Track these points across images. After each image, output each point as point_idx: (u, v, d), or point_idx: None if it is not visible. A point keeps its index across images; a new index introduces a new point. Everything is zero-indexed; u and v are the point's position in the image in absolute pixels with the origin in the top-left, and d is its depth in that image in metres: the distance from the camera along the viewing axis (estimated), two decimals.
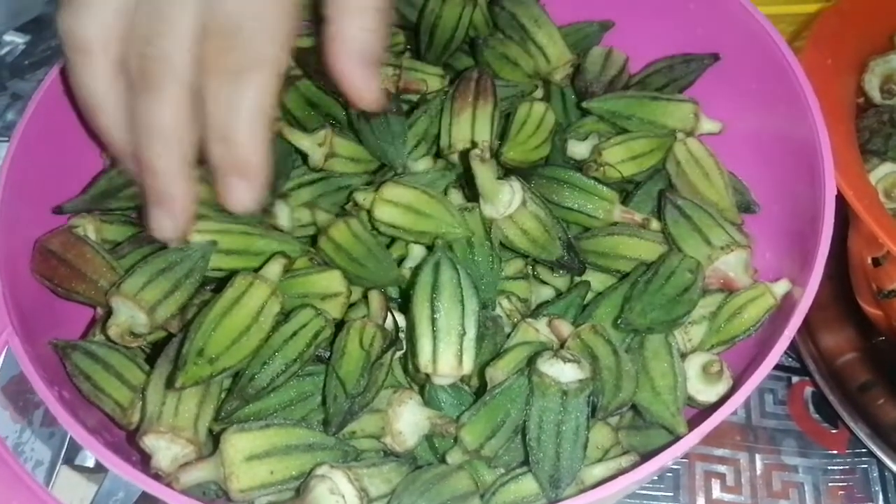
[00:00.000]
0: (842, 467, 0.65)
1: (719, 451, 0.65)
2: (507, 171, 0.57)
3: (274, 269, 0.47)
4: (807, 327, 0.65)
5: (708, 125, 0.58)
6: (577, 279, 0.54)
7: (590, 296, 0.53)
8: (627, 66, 0.63)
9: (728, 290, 0.50)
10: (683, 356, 0.48)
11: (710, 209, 0.51)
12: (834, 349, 0.63)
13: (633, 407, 0.45)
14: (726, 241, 0.49)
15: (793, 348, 0.65)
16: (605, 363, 0.44)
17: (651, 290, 0.47)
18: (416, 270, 0.46)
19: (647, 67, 0.63)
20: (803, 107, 0.50)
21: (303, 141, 0.56)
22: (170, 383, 0.41)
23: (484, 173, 0.49)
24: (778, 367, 0.68)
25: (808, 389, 0.67)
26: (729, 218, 0.52)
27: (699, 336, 0.49)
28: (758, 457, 0.65)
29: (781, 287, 0.47)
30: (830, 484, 0.63)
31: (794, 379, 0.69)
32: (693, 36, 0.61)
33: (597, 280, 0.54)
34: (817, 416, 0.67)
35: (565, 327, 0.47)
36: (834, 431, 0.65)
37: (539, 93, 0.63)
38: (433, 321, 0.44)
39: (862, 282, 0.57)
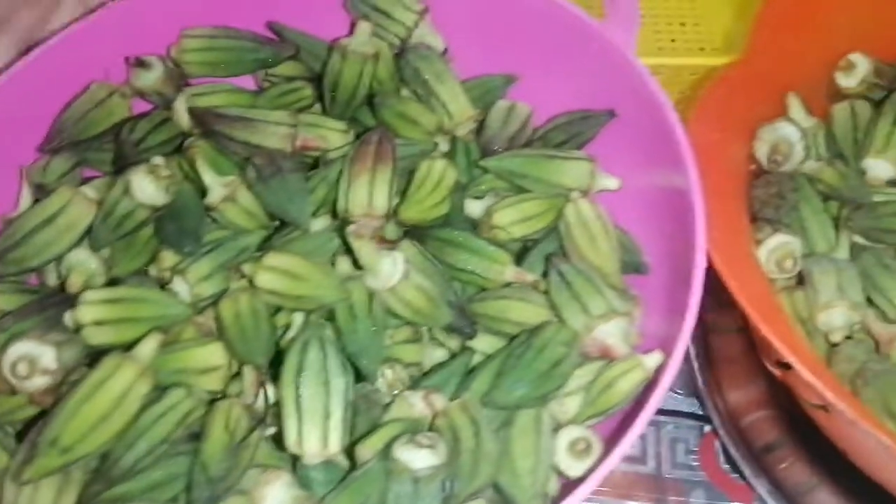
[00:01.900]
0: None
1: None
2: (405, 231, 0.58)
3: (146, 347, 0.46)
4: (715, 381, 0.65)
5: (605, 182, 0.58)
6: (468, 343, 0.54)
7: (480, 359, 0.53)
8: (531, 121, 0.63)
9: (607, 358, 0.50)
10: (558, 428, 0.48)
11: (592, 275, 0.51)
12: (741, 406, 0.63)
13: (497, 487, 0.45)
14: (605, 310, 0.49)
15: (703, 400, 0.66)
16: (466, 445, 0.44)
17: (522, 364, 0.47)
18: (286, 348, 0.46)
19: (548, 123, 0.63)
20: (684, 177, 0.50)
21: (208, 176, 0.55)
22: (16, 476, 0.41)
23: (361, 248, 0.49)
24: (691, 415, 0.69)
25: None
26: (612, 283, 0.52)
27: (575, 408, 0.49)
28: None
29: (653, 360, 0.47)
30: None
31: (707, 428, 0.68)
32: (593, 91, 0.61)
33: (489, 343, 0.54)
34: (727, 466, 0.67)
35: (439, 402, 0.47)
36: (742, 483, 0.65)
37: (445, 148, 0.63)
38: (298, 402, 0.44)
39: (761, 342, 0.57)
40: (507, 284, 0.56)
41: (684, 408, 0.71)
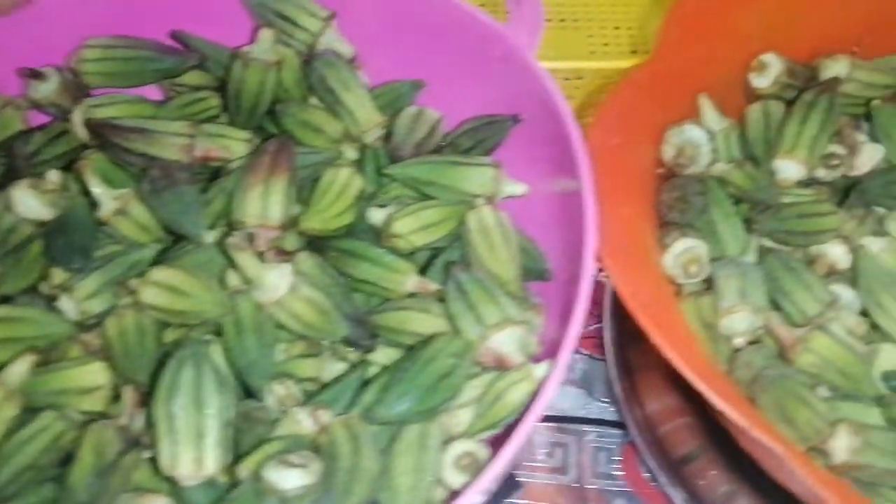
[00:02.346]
0: None
1: None
2: (309, 241, 0.56)
3: (15, 369, 0.45)
4: (632, 390, 0.63)
5: (510, 188, 0.57)
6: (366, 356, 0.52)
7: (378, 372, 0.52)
8: (439, 126, 0.62)
9: (503, 369, 0.48)
10: (449, 442, 0.46)
11: (489, 283, 0.50)
12: (658, 415, 0.61)
13: None
14: (499, 319, 0.48)
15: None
16: (343, 463, 0.42)
17: (407, 377, 0.46)
18: (161, 368, 0.45)
19: (456, 128, 0.61)
20: (578, 182, 0.48)
21: (97, 188, 0.54)
22: None
23: (242, 260, 0.48)
24: (614, 424, 0.67)
25: None
26: (510, 291, 0.51)
27: (467, 421, 0.47)
28: None
29: (542, 370, 0.45)
30: None
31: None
32: (500, 96, 0.60)
33: (389, 356, 0.53)
34: (649, 475, 0.65)
35: (326, 418, 0.46)
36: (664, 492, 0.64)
37: (354, 156, 0.62)
38: (170, 423, 0.42)
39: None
40: (412, 295, 0.54)
41: (607, 416, 0.69)
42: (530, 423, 0.40)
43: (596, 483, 0.66)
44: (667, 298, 0.50)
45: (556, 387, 0.42)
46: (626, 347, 0.65)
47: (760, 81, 0.64)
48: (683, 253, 0.54)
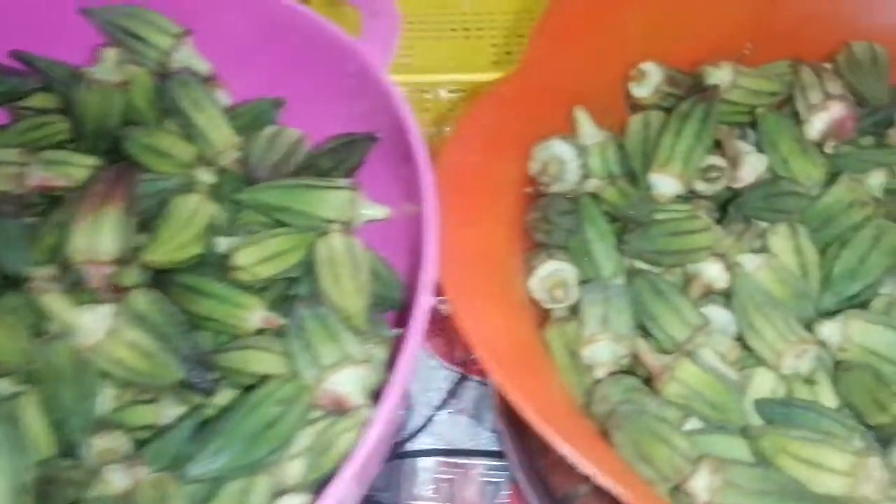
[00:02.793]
0: None
1: None
2: (153, 274, 0.52)
3: None
4: (513, 423, 0.60)
5: (370, 211, 0.54)
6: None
7: None
8: (300, 147, 0.58)
9: (343, 411, 0.45)
10: (280, 495, 0.43)
11: (331, 319, 0.46)
12: (540, 450, 0.58)
13: None
14: (337, 358, 0.44)
15: None
16: None
17: (227, 428, 0.42)
18: None
19: (316, 148, 0.58)
20: (424, 212, 0.45)
21: None
22: None
23: (50, 304, 0.44)
24: (503, 455, 0.64)
25: None
26: (354, 326, 0.47)
27: (300, 472, 0.44)
28: None
29: (366, 415, 0.42)
30: None
31: None
32: (360, 114, 0.56)
33: (232, 399, 0.49)
34: None
35: (141, 475, 0.41)
36: None
37: (211, 180, 0.58)
38: None
39: None
40: (262, 331, 0.50)
41: (496, 447, 0.66)
42: (349, 474, 0.37)
43: None
44: (518, 328, 0.47)
45: (382, 427, 0.38)
46: None
47: (640, 91, 0.61)
48: (548, 277, 0.51)
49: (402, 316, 0.53)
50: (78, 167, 0.56)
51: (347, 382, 0.44)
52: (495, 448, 0.65)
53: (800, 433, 0.45)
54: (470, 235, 0.46)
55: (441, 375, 0.69)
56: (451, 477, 0.64)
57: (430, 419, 0.66)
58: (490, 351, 0.41)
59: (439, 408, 0.67)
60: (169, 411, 0.49)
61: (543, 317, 0.53)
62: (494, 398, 0.61)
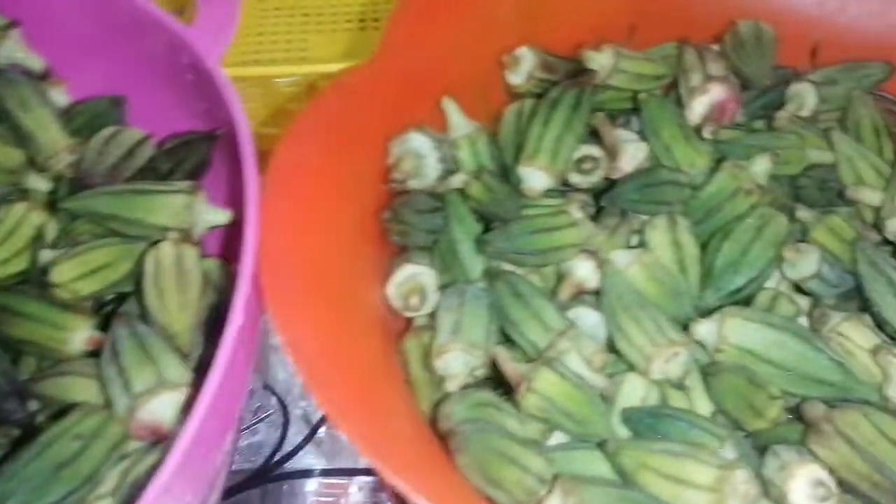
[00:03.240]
0: None
1: None
2: None
3: None
4: None
5: (212, 217, 0.49)
6: None
7: None
8: (143, 148, 0.54)
9: (162, 441, 0.40)
10: None
11: (150, 340, 0.42)
12: None
13: None
14: (152, 384, 0.40)
15: None
16: None
17: (12, 470, 0.37)
18: None
19: (158, 148, 0.53)
20: (245, 215, 0.40)
21: None
22: None
23: None
24: None
25: None
26: (179, 345, 0.43)
27: None
28: None
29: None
30: None
31: None
32: (199, 109, 0.51)
33: None
34: None
35: None
36: None
37: (43, 185, 0.53)
38: None
39: None
40: (91, 354, 0.45)
41: None
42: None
43: None
44: (362, 344, 0.42)
45: (180, 455, 0.34)
46: None
47: (514, 78, 0.57)
48: (404, 282, 0.47)
49: None
50: None
51: (164, 409, 0.40)
52: None
53: (662, 446, 0.41)
54: (303, 244, 0.42)
55: None
56: (331, 499, 0.60)
57: (309, 437, 0.62)
58: (315, 374, 0.37)
59: (319, 425, 0.62)
60: None
61: (404, 326, 0.49)
62: None
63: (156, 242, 0.47)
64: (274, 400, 0.63)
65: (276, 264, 0.40)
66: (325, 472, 0.60)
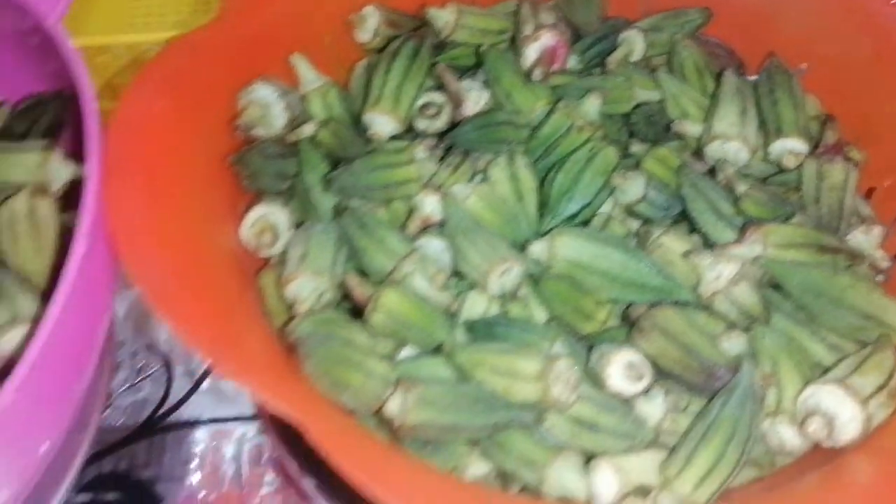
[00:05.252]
0: None
1: None
2: None
3: None
4: None
5: (66, 171, 0.51)
6: None
7: None
8: None
9: None
10: None
11: (6, 280, 0.43)
12: None
13: None
14: (4, 319, 0.42)
15: None
16: None
17: None
18: None
19: (9, 113, 0.54)
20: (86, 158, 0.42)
21: None
22: None
23: None
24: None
25: None
26: (36, 284, 0.45)
27: None
28: None
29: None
30: None
31: None
32: (50, 73, 0.53)
33: None
34: None
35: None
36: None
37: None
38: None
39: None
40: None
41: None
42: None
43: (250, 486, 0.61)
44: (214, 279, 0.45)
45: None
46: None
47: (363, 35, 0.61)
48: (256, 222, 0.50)
49: None
50: None
51: (17, 341, 0.41)
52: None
53: (496, 346, 0.45)
54: (150, 188, 0.44)
55: None
56: (215, 445, 0.62)
57: (192, 391, 0.64)
58: (159, 295, 0.39)
59: (201, 379, 0.64)
60: None
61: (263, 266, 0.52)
62: None
63: (6, 198, 0.48)
64: (157, 359, 0.64)
65: (123, 207, 0.42)
66: (211, 421, 0.62)
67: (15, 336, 0.42)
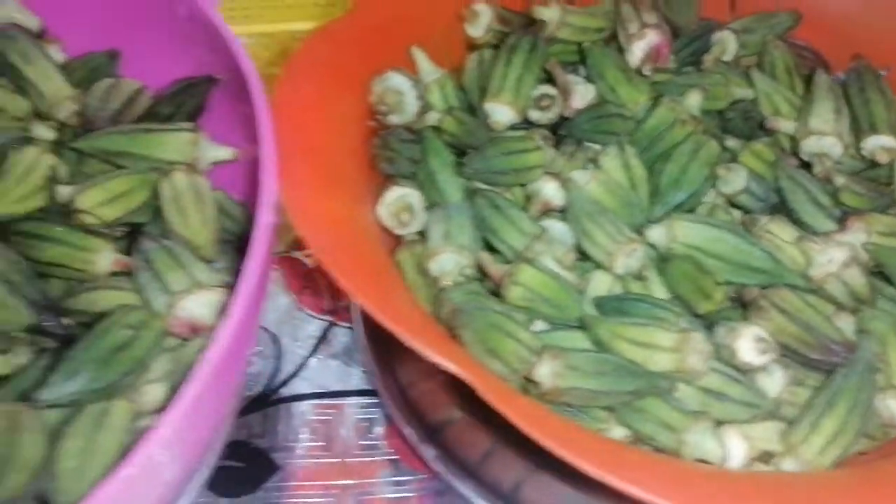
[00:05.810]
0: (435, 489, 0.62)
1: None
2: None
3: None
4: (383, 355, 0.62)
5: (215, 153, 0.54)
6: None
7: None
8: (140, 97, 0.58)
9: (199, 335, 0.45)
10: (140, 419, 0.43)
11: (178, 249, 0.47)
12: (410, 380, 0.60)
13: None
14: (187, 285, 0.45)
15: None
16: None
17: (77, 354, 0.41)
18: None
19: (155, 96, 0.58)
20: (260, 139, 0.46)
21: None
22: None
23: None
24: (375, 392, 0.65)
25: None
26: (203, 255, 0.48)
27: (160, 396, 0.44)
28: (351, 494, 0.62)
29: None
30: None
31: None
32: (197, 58, 0.56)
33: None
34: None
35: None
36: None
37: (48, 134, 0.57)
38: None
39: None
40: (115, 274, 0.50)
41: (369, 386, 0.67)
42: (200, 380, 0.37)
43: (360, 455, 0.64)
44: (369, 250, 0.48)
45: (229, 346, 0.39)
46: None
47: (474, 31, 0.64)
48: (395, 202, 0.53)
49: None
50: None
51: (199, 307, 0.45)
52: (367, 387, 0.67)
53: (631, 320, 0.48)
54: (315, 163, 0.48)
55: (310, 325, 0.70)
56: (326, 418, 0.65)
57: (301, 365, 0.67)
58: (342, 269, 0.43)
59: (310, 354, 0.68)
60: (21, 360, 0.48)
61: (395, 244, 0.55)
62: (360, 338, 0.62)
63: (166, 173, 0.51)
64: (266, 336, 0.68)
65: (295, 179, 0.45)
66: (319, 395, 0.66)
67: (196, 300, 0.45)
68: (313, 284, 0.72)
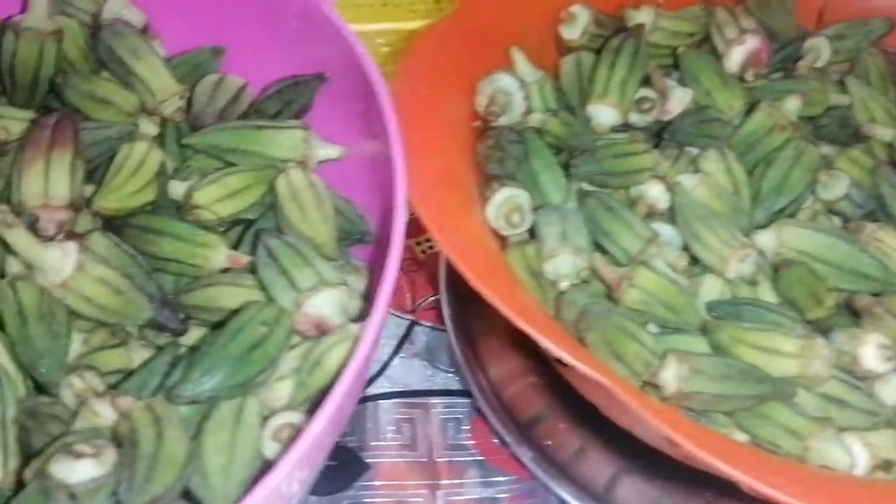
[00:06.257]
0: (525, 490, 0.62)
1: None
2: (105, 222, 0.51)
3: None
4: (474, 355, 0.62)
5: (324, 151, 0.54)
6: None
7: None
8: (244, 93, 0.58)
9: (324, 334, 0.45)
10: (270, 416, 0.43)
11: (302, 247, 0.47)
12: (502, 379, 0.60)
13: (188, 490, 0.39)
14: (314, 282, 0.45)
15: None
16: (144, 450, 0.38)
17: (213, 351, 0.41)
18: None
19: (261, 93, 0.58)
20: (388, 137, 0.46)
21: None
22: None
23: (15, 239, 0.42)
24: (462, 393, 0.65)
25: None
26: (326, 254, 0.48)
27: (287, 393, 0.44)
28: (439, 493, 0.62)
29: (356, 328, 0.42)
30: None
31: None
32: (304, 55, 0.56)
33: (201, 337, 0.48)
34: (498, 441, 0.64)
35: (126, 405, 0.41)
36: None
37: (154, 129, 0.57)
38: None
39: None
40: (225, 270, 0.50)
41: (453, 386, 0.67)
42: (346, 384, 0.37)
43: (446, 455, 0.64)
44: (485, 244, 0.48)
45: (372, 345, 0.39)
46: (465, 314, 0.64)
47: (570, 33, 0.64)
48: (504, 203, 0.53)
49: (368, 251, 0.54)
50: (12, 120, 0.54)
51: (326, 305, 0.45)
52: (452, 387, 0.67)
53: (750, 325, 0.48)
54: (434, 161, 0.48)
55: (392, 324, 0.70)
56: (411, 417, 0.65)
57: (386, 364, 0.67)
58: (467, 263, 0.43)
59: (394, 353, 0.68)
60: (138, 354, 0.48)
61: (501, 245, 0.55)
62: (451, 338, 0.62)
63: (282, 170, 0.51)
64: None
65: (420, 176, 0.45)
66: (403, 394, 0.66)
67: (324, 298, 0.45)
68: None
